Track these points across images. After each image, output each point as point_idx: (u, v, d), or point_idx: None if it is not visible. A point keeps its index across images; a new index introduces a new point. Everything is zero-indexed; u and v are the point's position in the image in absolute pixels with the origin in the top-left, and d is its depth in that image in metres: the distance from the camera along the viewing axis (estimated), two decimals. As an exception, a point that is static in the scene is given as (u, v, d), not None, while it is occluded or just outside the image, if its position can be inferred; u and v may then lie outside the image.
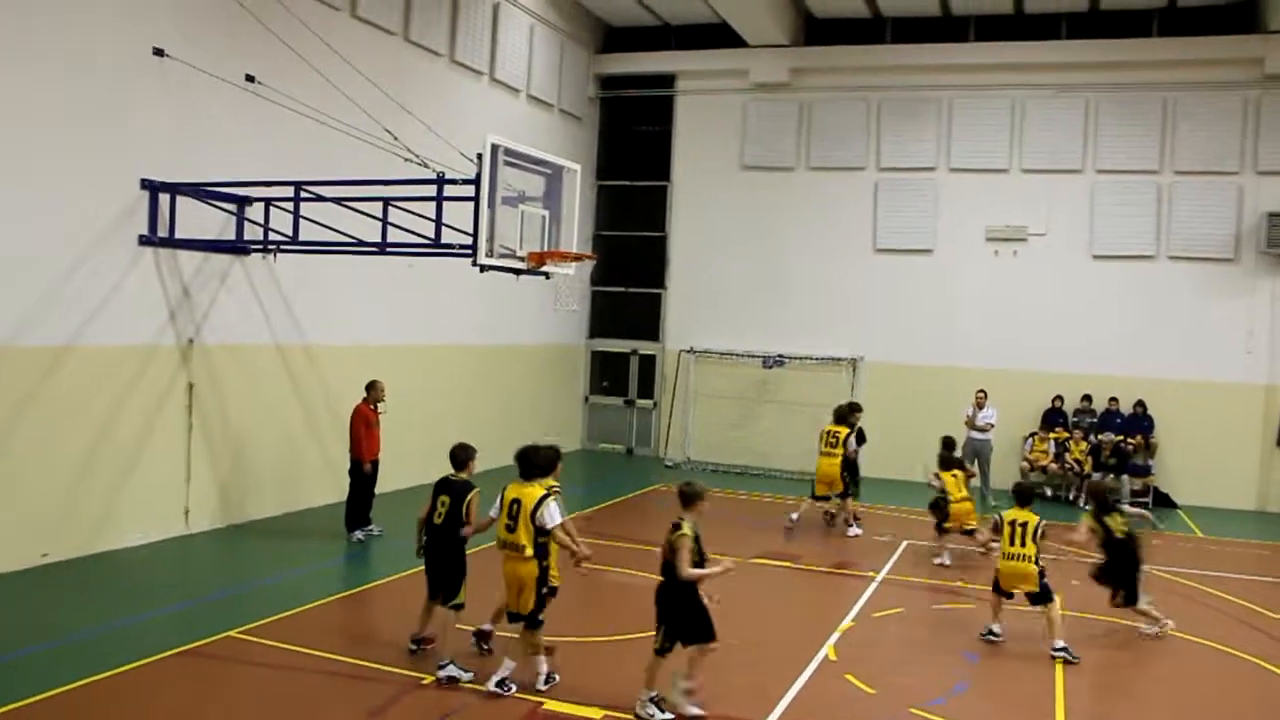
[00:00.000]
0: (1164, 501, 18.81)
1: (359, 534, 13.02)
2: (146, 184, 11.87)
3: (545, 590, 7.82)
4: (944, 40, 20.57)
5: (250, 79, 12.99)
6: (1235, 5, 19.14)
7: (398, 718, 7.51)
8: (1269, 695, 9.03)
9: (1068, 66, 19.93)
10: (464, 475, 8.42)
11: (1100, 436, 18.74)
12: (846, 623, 10.45)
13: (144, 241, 11.90)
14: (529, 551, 7.71)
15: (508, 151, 10.92)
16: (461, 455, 8.46)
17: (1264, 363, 19.01)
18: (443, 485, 8.40)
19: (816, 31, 21.37)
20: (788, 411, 20.70)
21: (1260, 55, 18.86)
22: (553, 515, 7.77)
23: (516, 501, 7.83)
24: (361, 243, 12.18)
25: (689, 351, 21.71)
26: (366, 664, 8.49)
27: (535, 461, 8.03)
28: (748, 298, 21.53)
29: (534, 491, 7.85)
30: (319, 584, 11.13)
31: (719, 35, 21.05)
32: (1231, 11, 19.18)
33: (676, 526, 7.60)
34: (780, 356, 20.85)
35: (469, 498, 8.34)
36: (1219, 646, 10.29)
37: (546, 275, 12.00)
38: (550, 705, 7.74)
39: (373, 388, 13.08)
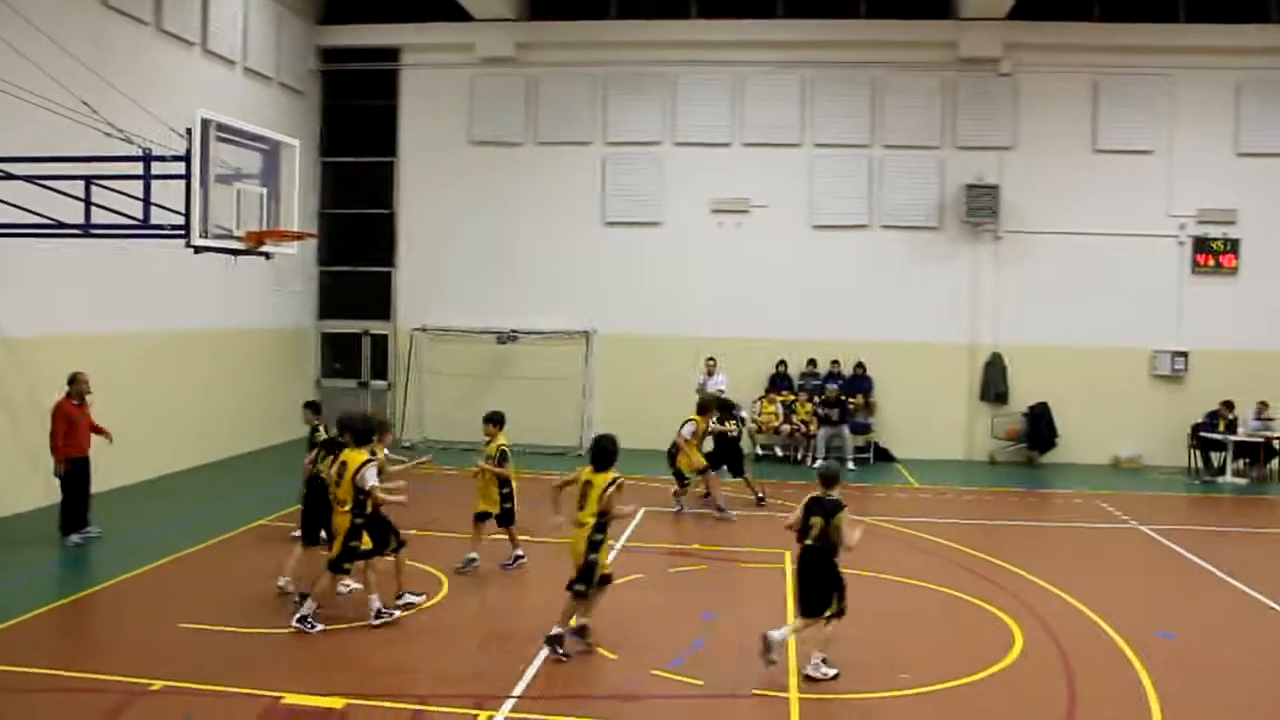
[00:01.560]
0: (884, 456, 19.63)
1: (75, 537, 11.76)
2: None
3: (353, 543, 8.99)
4: (668, 16, 20.93)
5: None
6: (935, -9, 20.38)
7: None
8: (981, 626, 9.56)
9: (785, 44, 20.67)
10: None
11: (827, 390, 19.32)
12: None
13: None
14: (347, 507, 8.91)
15: (221, 126, 10.23)
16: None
17: (966, 323, 20.11)
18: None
19: (542, 6, 21.36)
20: (525, 386, 20.37)
21: (954, 39, 20.15)
22: (369, 478, 8.89)
23: (344, 464, 8.97)
24: (62, 225, 10.95)
25: (421, 330, 21.11)
26: (90, 675, 7.61)
27: (357, 429, 9.20)
28: (480, 274, 21.15)
29: (358, 457, 8.98)
30: (31, 594, 9.90)
31: (444, 8, 20.60)
32: (931, -2, 20.42)
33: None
34: (514, 331, 20.53)
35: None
36: (935, 587, 10.81)
37: (267, 255, 11.34)
38: (290, 698, 7.25)
39: (74, 381, 11.87)
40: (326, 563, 9.13)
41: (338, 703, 7.23)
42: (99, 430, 12.17)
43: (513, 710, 7.30)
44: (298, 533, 10.30)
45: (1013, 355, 20.15)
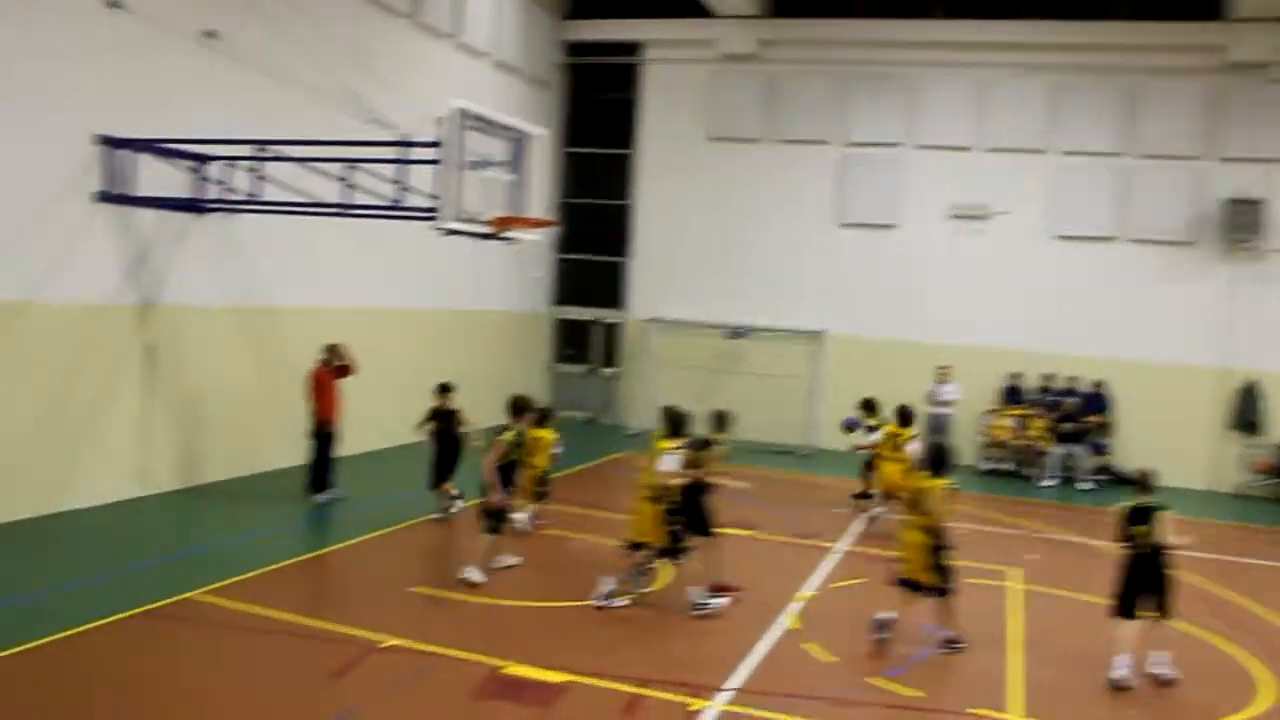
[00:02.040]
0: (1121, 480, 19.10)
1: (322, 496, 12.97)
2: (102, 139, 11.64)
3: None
4: (913, 16, 20.63)
5: (210, 34, 12.76)
6: (1203, -9, 19.35)
7: (358, 680, 7.53)
8: (1219, 669, 9.35)
9: (1034, 47, 20.05)
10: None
11: (1066, 404, 19.02)
12: (808, 592, 10.57)
13: (101, 198, 11.69)
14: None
15: (472, 115, 10.84)
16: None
17: (1217, 346, 19.33)
18: None
19: (785, 3, 21.34)
20: (752, 383, 20.78)
21: (1223, 43, 19.10)
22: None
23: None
24: (322, 204, 12.04)
25: (652, 320, 21.73)
26: (327, 626, 8.50)
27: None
28: (712, 268, 21.57)
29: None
30: (280, 546, 11.08)
31: (687, 4, 20.93)
32: (1197, -1, 19.40)
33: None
34: (744, 327, 20.92)
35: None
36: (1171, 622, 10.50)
37: (510, 241, 11.94)
38: (511, 669, 7.79)
39: (331, 349, 12.99)
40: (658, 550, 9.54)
41: (557, 677, 7.62)
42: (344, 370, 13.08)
43: (727, 703, 7.54)
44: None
45: (1270, 383, 19.21)
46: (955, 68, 20.40)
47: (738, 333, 20.92)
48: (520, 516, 11.33)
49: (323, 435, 12.88)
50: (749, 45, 21.17)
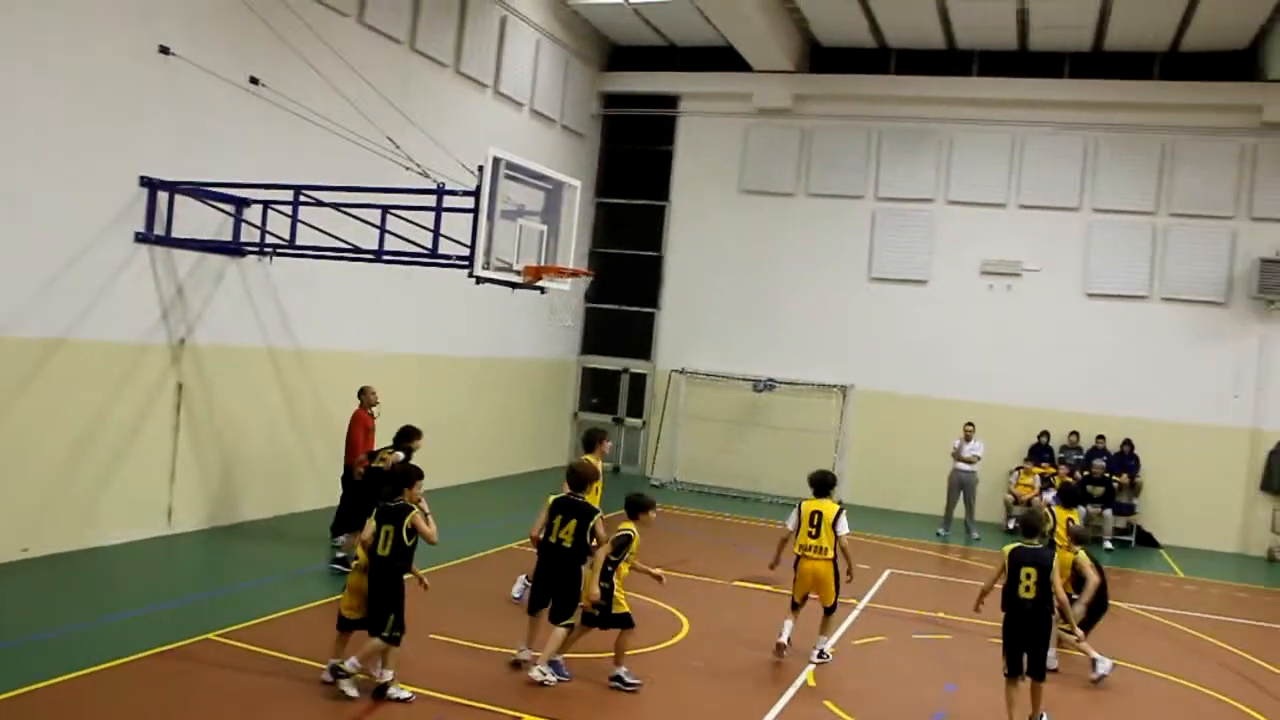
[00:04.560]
0: (1147, 540, 18.92)
1: (344, 538, 12.93)
2: (145, 181, 11.90)
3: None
4: (947, 73, 20.78)
5: (254, 81, 13.06)
6: (1236, 52, 19.36)
7: (374, 727, 7.49)
8: None
9: (1069, 105, 20.12)
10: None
11: (1094, 465, 18.83)
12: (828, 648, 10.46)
13: (140, 239, 11.92)
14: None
15: (509, 165, 10.96)
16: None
17: (1250, 407, 19.11)
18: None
19: (821, 59, 21.56)
20: (776, 436, 20.76)
21: (1259, 103, 19.08)
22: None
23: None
24: (358, 249, 12.19)
25: (680, 372, 21.77)
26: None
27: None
28: (741, 321, 21.63)
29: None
30: (302, 589, 11.08)
31: (724, 58, 21.22)
32: (1232, 58, 19.42)
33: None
34: (771, 380, 20.90)
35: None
36: (1192, 685, 10.35)
37: (542, 290, 12.03)
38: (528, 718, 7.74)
39: (364, 393, 13.01)
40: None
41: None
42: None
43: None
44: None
45: (1301, 445, 18.96)
46: (989, 124, 20.50)
47: (764, 386, 20.87)
48: None
49: (354, 479, 12.81)
50: (784, 100, 21.36)
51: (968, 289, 20.47)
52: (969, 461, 18.24)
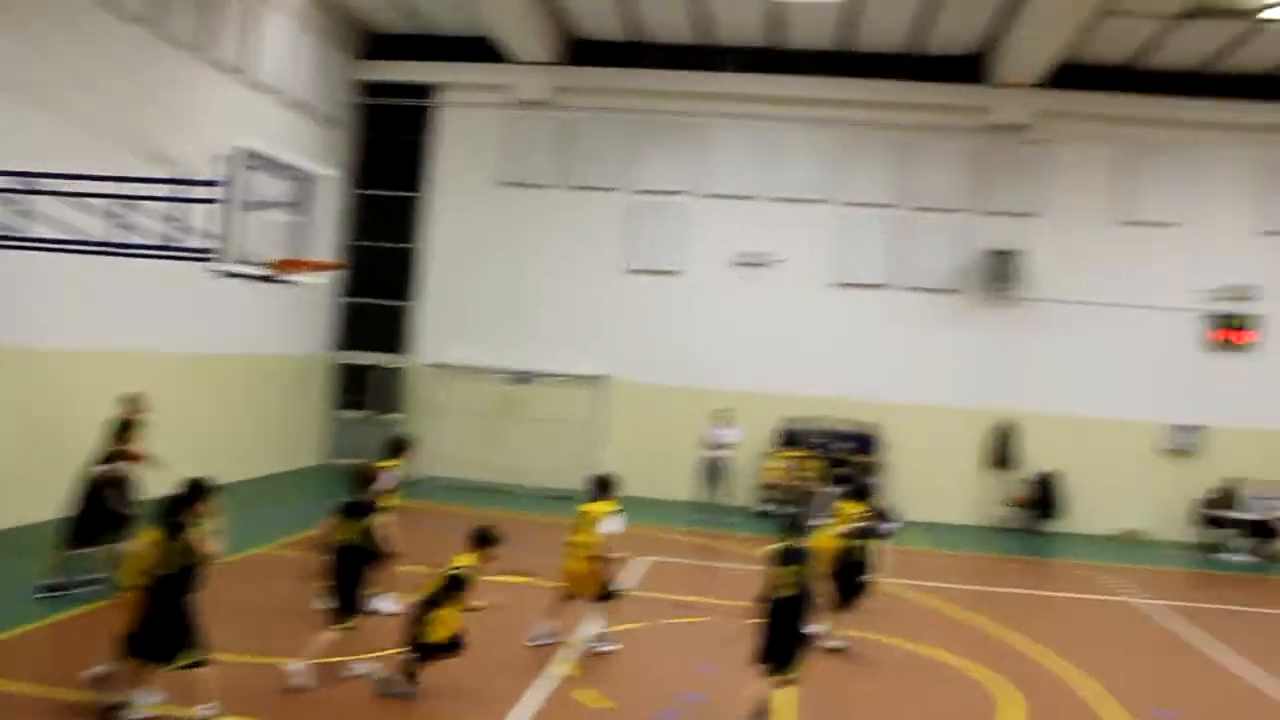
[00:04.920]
0: (885, 517, 19.60)
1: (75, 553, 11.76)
2: None
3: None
4: (704, 69, 21.13)
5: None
6: (969, 57, 20.48)
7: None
8: (967, 695, 9.64)
9: (818, 102, 20.87)
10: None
11: (836, 448, 19.59)
12: (585, 636, 10.31)
13: None
14: None
15: (256, 154, 10.34)
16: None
17: (979, 387, 20.24)
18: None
19: (582, 51, 21.61)
20: (537, 429, 20.66)
21: (986, 105, 20.26)
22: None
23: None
24: (92, 242, 11.22)
25: (438, 366, 21.36)
26: (71, 697, 7.58)
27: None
28: (501, 313, 21.46)
29: None
30: (28, 607, 9.88)
31: (484, 49, 21.00)
32: (966, 62, 20.53)
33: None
34: (530, 373, 20.77)
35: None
36: (926, 650, 10.88)
37: (291, 283, 11.49)
38: None
39: (126, 401, 11.75)
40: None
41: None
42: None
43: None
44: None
45: (1024, 422, 20.20)
46: (742, 119, 21.02)
47: (522, 378, 20.73)
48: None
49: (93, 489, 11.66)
50: (544, 92, 21.33)
51: (721, 280, 20.94)
52: (723, 447, 18.56)
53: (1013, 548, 18.40)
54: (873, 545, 10.79)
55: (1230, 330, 20.46)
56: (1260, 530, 19.15)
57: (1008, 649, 11.31)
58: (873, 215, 20.69)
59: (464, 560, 8.24)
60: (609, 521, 9.69)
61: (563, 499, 18.94)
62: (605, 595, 9.90)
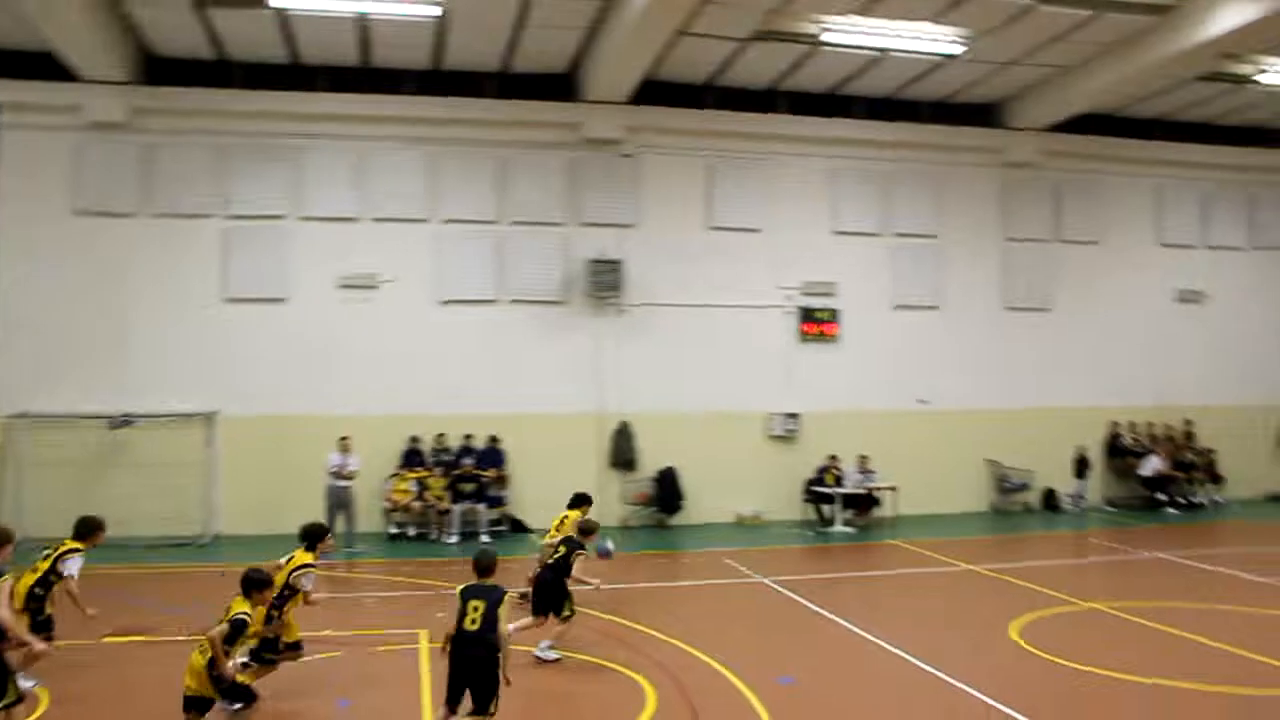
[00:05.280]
0: (520, 528, 22.37)
1: None
2: None
3: None
4: (294, 88, 22.78)
5: None
6: (560, 75, 23.79)
7: None
8: (613, 689, 11.29)
9: (412, 120, 23.16)
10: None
11: (464, 463, 22.00)
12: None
13: None
14: None
15: None
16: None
17: (594, 393, 23.53)
18: None
19: (160, 70, 22.35)
20: (142, 473, 21.27)
21: (579, 121, 23.63)
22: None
23: None
24: None
25: (20, 416, 21.61)
26: None
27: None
28: (91, 354, 21.69)
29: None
30: None
31: (50, 66, 21.16)
32: (556, 80, 23.81)
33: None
34: (128, 416, 21.53)
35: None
36: (569, 653, 12.42)
37: None
38: None
39: None
40: None
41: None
42: None
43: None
44: None
45: (639, 423, 23.68)
46: (337, 139, 22.90)
47: (121, 422, 21.46)
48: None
49: None
50: (121, 113, 21.94)
51: (328, 304, 22.57)
52: (349, 477, 20.36)
53: (640, 544, 21.20)
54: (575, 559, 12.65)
55: (817, 323, 25.11)
56: (857, 502, 23.68)
57: (645, 641, 12.80)
58: (474, 232, 23.27)
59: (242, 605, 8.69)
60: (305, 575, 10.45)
61: (179, 545, 20.16)
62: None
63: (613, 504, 23.09)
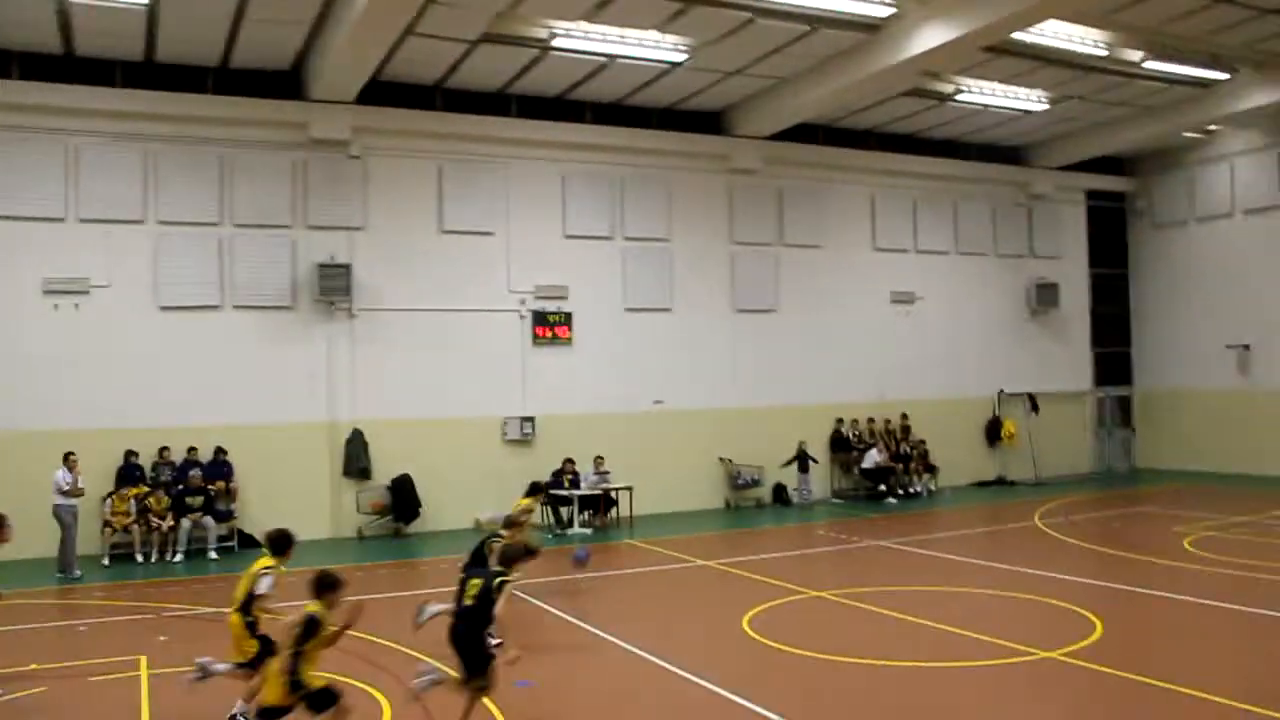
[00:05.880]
0: (249, 543, 22.01)
1: None
2: None
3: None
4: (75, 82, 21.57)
5: None
6: (285, 73, 23.58)
7: None
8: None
9: (124, 115, 22.16)
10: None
11: (190, 476, 21.46)
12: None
13: None
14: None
15: None
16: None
17: (325, 401, 23.51)
18: None
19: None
20: None
21: (305, 120, 23.49)
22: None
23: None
24: None
25: None
26: None
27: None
28: None
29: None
30: None
31: None
32: (281, 78, 23.59)
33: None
34: None
35: None
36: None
37: None
38: None
39: None
40: None
41: None
42: None
43: None
44: None
45: (373, 430, 23.80)
46: (38, 132, 21.56)
47: None
48: None
49: None
50: None
51: (31, 309, 21.37)
52: (77, 496, 19.34)
53: (376, 555, 21.35)
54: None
55: (550, 327, 25.92)
56: (594, 503, 24.58)
57: (385, 654, 12.91)
58: (196, 234, 22.66)
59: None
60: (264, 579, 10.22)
61: None
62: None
63: (348, 514, 23.16)
